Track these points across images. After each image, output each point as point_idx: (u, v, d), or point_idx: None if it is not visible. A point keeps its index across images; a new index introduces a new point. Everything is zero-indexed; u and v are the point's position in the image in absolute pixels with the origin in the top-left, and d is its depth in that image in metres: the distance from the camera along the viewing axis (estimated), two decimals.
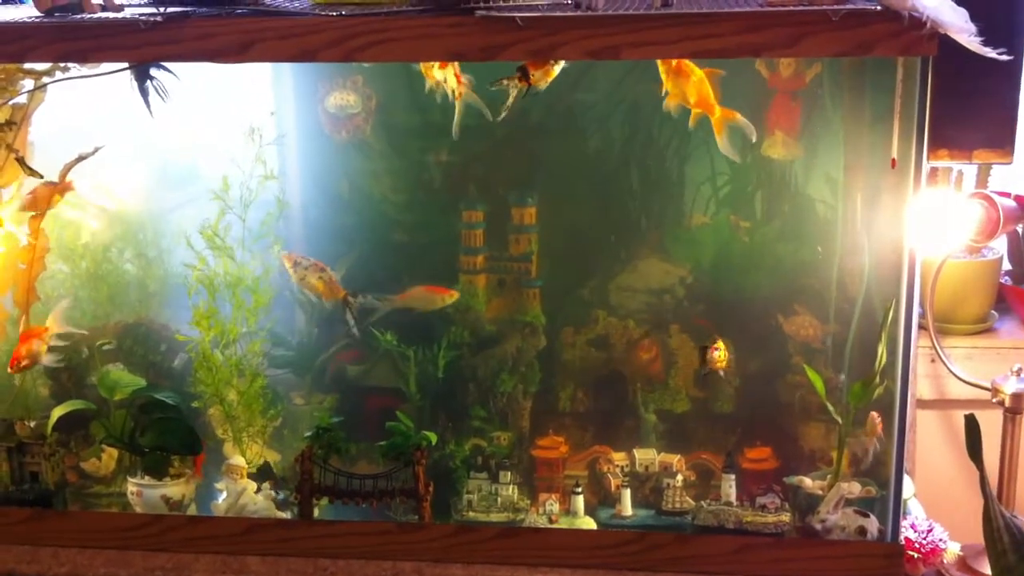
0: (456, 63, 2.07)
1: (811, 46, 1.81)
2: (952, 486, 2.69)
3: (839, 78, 2.22)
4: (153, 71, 2.04)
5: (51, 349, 2.28)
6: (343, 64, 2.31)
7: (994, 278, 2.74)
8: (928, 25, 1.74)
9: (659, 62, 1.98)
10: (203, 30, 1.93)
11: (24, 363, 2.24)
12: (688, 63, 1.97)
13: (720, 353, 2.16)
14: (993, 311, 2.77)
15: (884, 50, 1.80)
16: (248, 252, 2.33)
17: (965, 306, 2.71)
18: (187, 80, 2.10)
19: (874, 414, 2.11)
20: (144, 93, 2.05)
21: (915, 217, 1.91)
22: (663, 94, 2.01)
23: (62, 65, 2.11)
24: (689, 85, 1.99)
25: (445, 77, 2.09)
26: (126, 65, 2.02)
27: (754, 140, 2.05)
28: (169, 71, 2.04)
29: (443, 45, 1.90)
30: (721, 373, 2.19)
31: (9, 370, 2.26)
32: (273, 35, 1.92)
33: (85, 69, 2.09)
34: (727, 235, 2.37)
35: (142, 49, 1.96)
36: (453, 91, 2.09)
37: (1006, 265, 2.79)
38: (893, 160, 1.93)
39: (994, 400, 2.31)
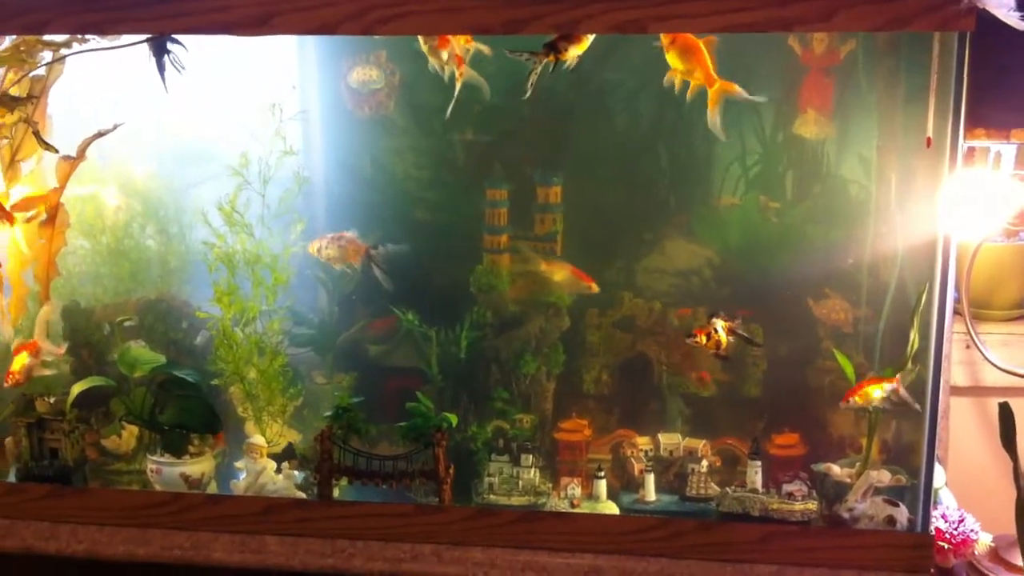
0: (454, 44, 2.04)
1: (845, 20, 1.77)
2: (986, 475, 2.63)
3: (874, 55, 2.16)
4: (170, 45, 2.00)
5: (44, 364, 2.28)
6: (366, 39, 2.28)
7: None
8: None
9: (663, 39, 1.93)
10: (221, 2, 1.91)
11: (18, 378, 2.24)
12: (690, 36, 1.91)
13: (700, 339, 2.08)
14: None
15: (920, 24, 1.75)
16: (267, 229, 2.31)
17: (1001, 291, 2.64)
18: (211, 53, 2.08)
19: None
20: (161, 68, 2.02)
21: (950, 198, 1.85)
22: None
23: (80, 37, 2.08)
24: (693, 61, 1.94)
25: (447, 57, 2.04)
26: (143, 38, 2.00)
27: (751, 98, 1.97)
28: (181, 44, 2.01)
29: (465, 18, 1.87)
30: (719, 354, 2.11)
31: (5, 384, 2.25)
32: (291, 7, 1.89)
33: (105, 42, 2.06)
34: (756, 216, 2.32)
35: (159, 21, 1.94)
36: (453, 72, 2.05)
37: None
38: (928, 139, 1.87)
39: None
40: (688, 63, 1.93)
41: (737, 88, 1.93)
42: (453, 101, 2.08)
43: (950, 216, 1.87)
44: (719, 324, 2.08)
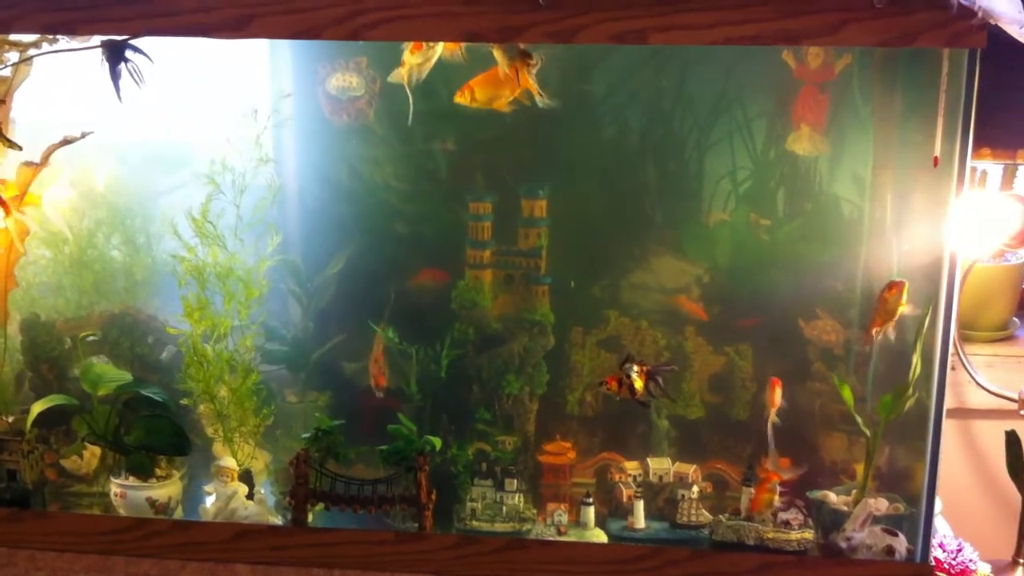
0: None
1: (852, 34, 1.72)
2: (971, 499, 2.60)
3: (870, 71, 2.11)
4: (128, 53, 1.89)
5: None
6: (346, 43, 2.19)
7: (1017, 284, 2.64)
8: (979, 15, 1.63)
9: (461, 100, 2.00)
10: (200, 3, 1.82)
11: None
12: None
13: (612, 386, 2.00)
14: (1015, 318, 2.68)
15: (929, 40, 1.70)
16: (240, 241, 2.20)
17: (986, 312, 2.61)
18: (184, 56, 2.02)
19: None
20: (116, 76, 1.90)
21: (958, 220, 1.80)
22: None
23: (50, 38, 1.98)
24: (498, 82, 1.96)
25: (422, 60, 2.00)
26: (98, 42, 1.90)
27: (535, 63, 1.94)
28: (143, 53, 1.89)
29: (459, 25, 1.79)
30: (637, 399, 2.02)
31: None
32: (275, 9, 1.80)
33: (75, 43, 1.95)
34: (746, 233, 2.26)
35: (134, 22, 1.85)
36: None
37: None
38: (935, 158, 1.81)
39: (1022, 412, 2.22)
40: (494, 89, 1.97)
41: (531, 63, 1.92)
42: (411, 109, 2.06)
43: (958, 238, 1.82)
44: (633, 370, 2.00)
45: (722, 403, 2.28)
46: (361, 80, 2.22)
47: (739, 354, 2.26)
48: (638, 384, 2.00)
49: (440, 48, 1.98)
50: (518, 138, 2.23)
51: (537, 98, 1.97)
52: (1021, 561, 2.27)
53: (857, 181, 2.17)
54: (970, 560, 2.01)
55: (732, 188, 2.27)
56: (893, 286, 1.93)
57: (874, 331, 1.97)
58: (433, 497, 2.07)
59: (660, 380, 2.02)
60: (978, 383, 2.42)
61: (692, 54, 2.18)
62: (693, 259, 2.28)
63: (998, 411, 2.50)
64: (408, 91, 2.03)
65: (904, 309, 1.94)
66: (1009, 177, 2.55)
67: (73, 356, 2.27)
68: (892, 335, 1.96)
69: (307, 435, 2.09)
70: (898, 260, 2.06)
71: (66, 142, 2.10)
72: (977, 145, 2.06)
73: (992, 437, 2.60)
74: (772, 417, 2.06)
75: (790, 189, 2.24)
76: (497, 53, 1.92)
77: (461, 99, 2.01)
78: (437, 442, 2.10)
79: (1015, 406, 2.36)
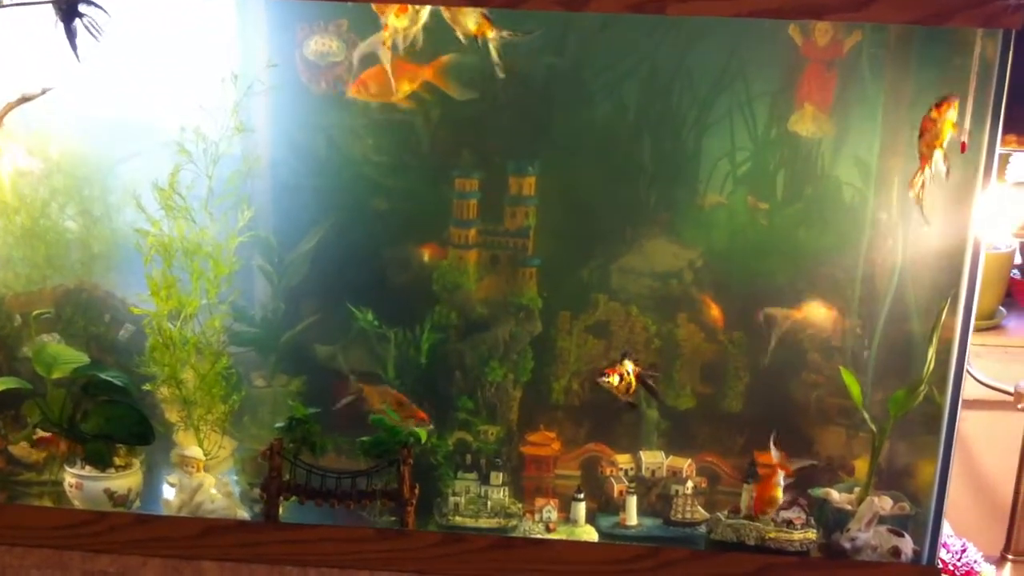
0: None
1: (880, 10, 1.64)
2: (956, 492, 2.54)
3: (881, 49, 2.01)
4: (82, 7, 1.75)
5: None
6: (326, 4, 2.04)
7: (1005, 272, 2.59)
8: None
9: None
10: None
11: None
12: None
13: (612, 379, 1.91)
14: (1001, 307, 2.62)
15: (964, 20, 1.62)
16: (209, 214, 2.05)
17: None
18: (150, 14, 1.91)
19: None
20: (71, 33, 1.76)
21: (986, 208, 1.72)
22: None
23: None
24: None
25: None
26: None
27: None
28: (98, 6, 1.76)
29: None
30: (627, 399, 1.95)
31: None
32: None
33: None
34: (743, 217, 2.16)
35: None
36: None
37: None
38: (963, 144, 1.72)
39: (1020, 406, 2.17)
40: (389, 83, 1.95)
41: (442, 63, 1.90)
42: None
43: (984, 227, 1.74)
44: (629, 366, 1.92)
45: (714, 393, 2.19)
46: (341, 44, 2.08)
47: (733, 342, 2.17)
48: (633, 382, 1.91)
49: (427, 12, 1.85)
50: (507, 111, 2.11)
51: (449, 92, 1.98)
52: (1010, 557, 2.23)
53: (861, 165, 2.09)
54: (974, 561, 1.95)
55: (730, 170, 2.17)
56: (942, 102, 1.72)
57: (925, 168, 1.77)
58: (416, 492, 1.95)
59: (650, 382, 1.96)
60: (971, 375, 2.36)
61: (694, 27, 2.07)
62: (687, 242, 2.18)
63: (985, 402, 2.45)
64: (384, 59, 1.90)
65: (953, 130, 1.73)
66: (1002, 166, 2.49)
67: (24, 335, 2.11)
68: (944, 169, 1.74)
69: (281, 424, 1.96)
70: (904, 250, 1.98)
71: (24, 99, 1.94)
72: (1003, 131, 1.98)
73: (978, 428, 2.55)
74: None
75: (790, 172, 2.15)
76: (460, 15, 1.80)
77: (355, 93, 1.98)
78: (422, 434, 1.98)
79: (1002, 396, 2.31)
